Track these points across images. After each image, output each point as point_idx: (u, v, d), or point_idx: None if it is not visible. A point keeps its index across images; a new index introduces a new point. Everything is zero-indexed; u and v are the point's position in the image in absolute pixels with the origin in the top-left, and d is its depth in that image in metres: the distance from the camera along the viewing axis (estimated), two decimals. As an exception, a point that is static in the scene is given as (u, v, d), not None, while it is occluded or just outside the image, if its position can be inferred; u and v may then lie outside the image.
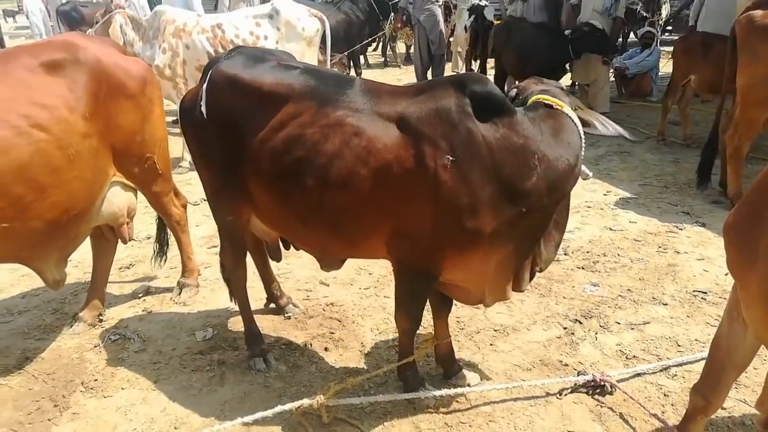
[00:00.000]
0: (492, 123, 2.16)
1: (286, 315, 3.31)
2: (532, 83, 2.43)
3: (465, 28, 9.73)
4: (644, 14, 9.95)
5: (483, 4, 9.55)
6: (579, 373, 2.73)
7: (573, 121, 2.25)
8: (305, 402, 2.44)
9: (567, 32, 7.09)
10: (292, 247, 2.87)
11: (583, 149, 2.27)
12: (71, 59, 2.70)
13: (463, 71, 9.73)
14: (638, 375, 2.75)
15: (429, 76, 9.10)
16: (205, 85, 2.50)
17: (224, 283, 3.21)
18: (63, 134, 2.56)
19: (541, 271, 2.53)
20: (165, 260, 3.72)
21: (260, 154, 2.36)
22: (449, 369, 2.73)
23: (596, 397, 2.60)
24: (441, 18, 9.00)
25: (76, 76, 2.68)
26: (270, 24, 5.98)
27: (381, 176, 2.17)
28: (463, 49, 10.07)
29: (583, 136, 2.26)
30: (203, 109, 2.49)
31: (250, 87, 2.41)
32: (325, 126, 2.25)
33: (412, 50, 14.06)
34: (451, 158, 2.10)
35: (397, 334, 3.08)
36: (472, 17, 9.56)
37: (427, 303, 2.59)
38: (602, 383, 2.62)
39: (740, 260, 1.66)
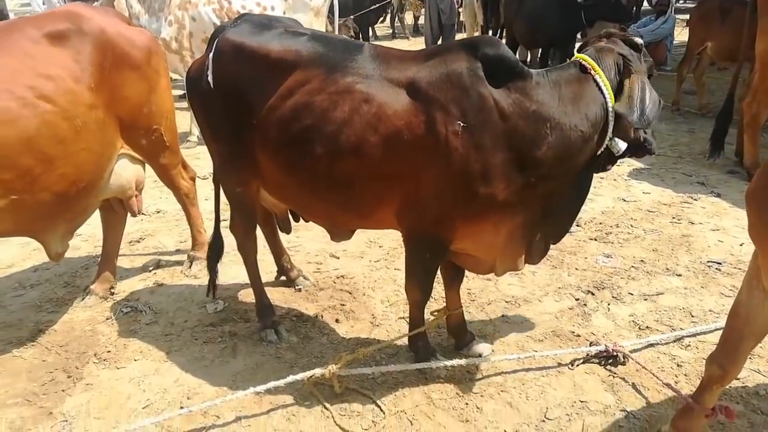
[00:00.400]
0: (504, 87, 2.12)
1: (296, 288, 3.31)
2: (599, 39, 2.32)
3: None
4: None
5: None
6: (591, 344, 2.71)
7: (601, 90, 2.16)
8: (317, 372, 2.45)
9: (580, 0, 6.90)
10: (301, 220, 2.86)
11: (610, 123, 2.16)
12: (75, 29, 2.65)
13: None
14: (651, 346, 2.73)
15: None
16: (211, 54, 2.46)
17: (234, 255, 3.19)
18: (69, 105, 2.53)
19: (554, 243, 2.49)
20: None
21: (268, 123, 2.33)
22: (461, 339, 2.72)
23: (609, 367, 2.58)
24: None
25: (81, 46, 2.64)
26: None
27: (391, 143, 2.14)
28: (474, 20, 9.90)
29: (610, 108, 2.15)
30: (210, 78, 2.45)
31: (257, 54, 2.36)
32: (334, 93, 2.21)
33: (420, 21, 13.88)
34: (462, 124, 2.07)
35: (407, 306, 3.09)
36: None
37: (439, 274, 2.57)
38: (614, 353, 2.60)
39: (762, 227, 1.61)
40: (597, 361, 2.63)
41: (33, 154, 2.44)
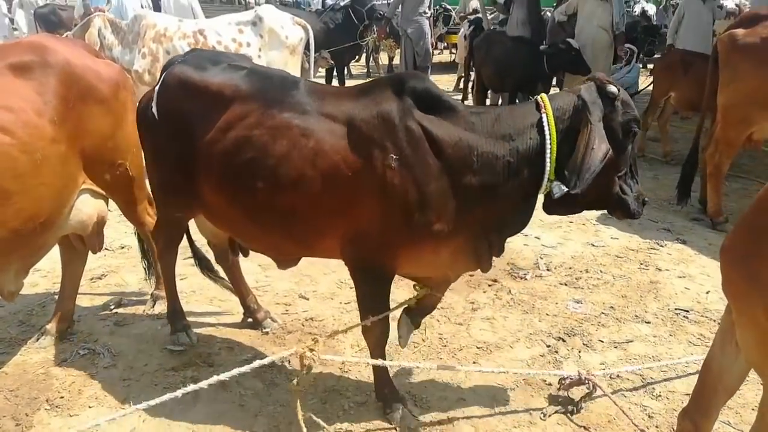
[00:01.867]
0: (433, 118, 2.20)
1: (263, 330, 3.22)
2: (585, 84, 2.26)
3: (464, 36, 9.80)
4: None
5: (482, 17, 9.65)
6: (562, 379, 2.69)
7: (543, 128, 2.16)
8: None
9: (542, 47, 7.07)
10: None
11: (547, 163, 2.15)
12: (39, 61, 2.58)
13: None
14: (619, 392, 2.72)
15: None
16: (158, 87, 2.54)
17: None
18: (29, 138, 2.43)
19: (497, 256, 2.46)
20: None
21: (210, 156, 2.38)
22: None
23: (581, 417, 2.55)
24: (428, 30, 9.00)
25: (45, 78, 2.56)
26: (253, 31, 5.89)
27: (329, 177, 2.21)
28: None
29: (547, 148, 2.15)
30: (154, 109, 2.53)
31: (199, 88, 2.44)
32: (272, 127, 2.27)
33: (395, 62, 14.11)
34: (395, 157, 2.14)
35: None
36: (472, 27, 9.65)
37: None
38: (585, 380, 2.59)
39: (736, 284, 1.62)
40: (564, 392, 2.63)
41: None
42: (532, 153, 2.19)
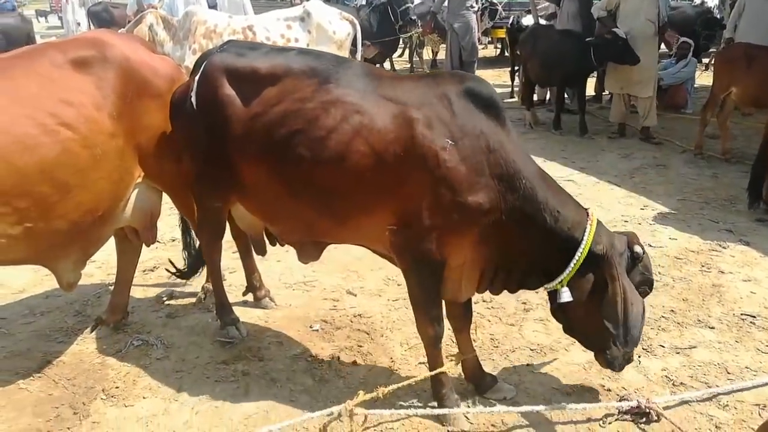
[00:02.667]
0: (493, 125, 2.26)
1: (262, 307, 3.37)
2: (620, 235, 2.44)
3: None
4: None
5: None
6: (622, 399, 2.58)
7: (583, 234, 2.29)
8: (334, 410, 2.34)
9: (589, 40, 6.86)
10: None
11: (570, 264, 2.30)
12: (99, 56, 2.62)
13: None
14: (686, 403, 2.59)
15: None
16: (197, 77, 2.59)
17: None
18: (90, 133, 2.48)
19: (496, 292, 2.53)
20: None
21: (253, 130, 2.42)
22: (482, 384, 2.64)
23: (641, 425, 2.44)
24: (475, 25, 8.87)
25: (104, 73, 2.60)
26: (301, 27, 5.91)
27: (380, 154, 2.23)
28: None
29: (577, 254, 2.29)
30: (193, 99, 2.58)
31: (244, 72, 2.49)
32: (326, 102, 2.30)
33: (439, 57, 13.99)
34: (450, 142, 2.19)
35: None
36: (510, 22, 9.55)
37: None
38: (647, 410, 2.46)
39: None
40: (629, 417, 2.49)
41: (51, 182, 2.37)
42: (560, 240, 2.30)
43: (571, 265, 2.29)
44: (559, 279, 2.31)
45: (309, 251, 2.71)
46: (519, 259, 2.35)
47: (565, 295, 2.30)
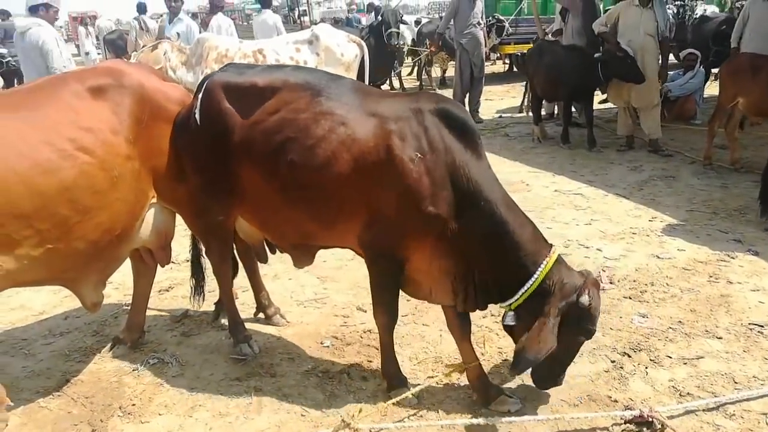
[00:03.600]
0: (461, 148, 2.44)
1: (273, 324, 3.46)
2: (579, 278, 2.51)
3: None
4: None
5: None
6: (626, 408, 2.60)
7: (537, 266, 2.43)
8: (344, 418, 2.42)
9: (597, 55, 6.91)
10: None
11: (521, 291, 2.45)
12: (116, 84, 2.75)
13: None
14: (691, 413, 2.60)
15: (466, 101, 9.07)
16: (200, 95, 2.78)
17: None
18: (107, 156, 2.60)
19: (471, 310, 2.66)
20: (203, 297, 3.57)
21: (250, 138, 2.63)
22: (485, 395, 2.69)
23: (648, 436, 2.46)
24: (483, 40, 8.98)
25: (120, 99, 2.73)
26: (309, 49, 6.05)
27: (360, 162, 2.46)
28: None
29: (529, 282, 2.44)
30: (197, 116, 2.76)
31: (243, 87, 2.71)
32: (317, 113, 2.54)
33: (448, 74, 14.11)
34: (418, 155, 2.40)
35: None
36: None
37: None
38: (650, 419, 2.49)
39: None
40: (633, 427, 2.51)
41: (70, 204, 2.49)
42: (514, 267, 2.45)
43: (520, 293, 2.45)
44: (508, 303, 2.49)
45: (302, 256, 2.93)
46: (476, 276, 2.51)
47: (509, 319, 2.49)
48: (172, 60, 6.11)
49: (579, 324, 2.44)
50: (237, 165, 2.69)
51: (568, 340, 2.46)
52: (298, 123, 2.54)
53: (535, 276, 2.42)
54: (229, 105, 2.69)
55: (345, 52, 6.14)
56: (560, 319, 2.39)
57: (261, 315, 3.52)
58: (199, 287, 3.55)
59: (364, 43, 6.40)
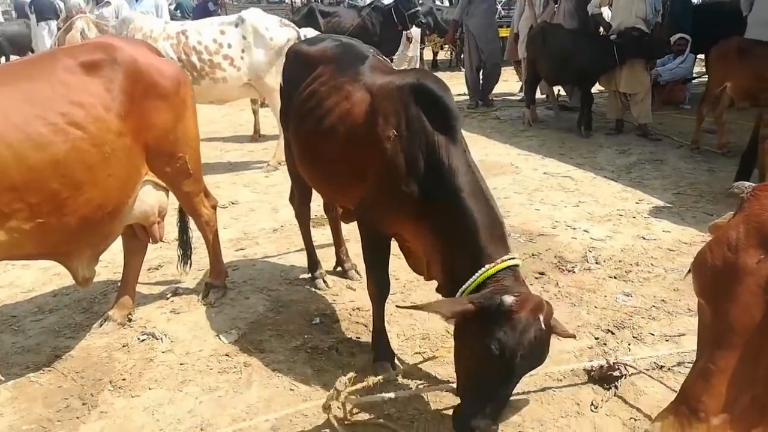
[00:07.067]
0: (433, 120, 2.42)
1: (348, 278, 3.75)
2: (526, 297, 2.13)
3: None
4: None
5: None
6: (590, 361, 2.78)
7: (475, 270, 2.22)
8: (331, 391, 2.40)
9: (613, 37, 6.85)
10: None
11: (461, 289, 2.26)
12: (109, 59, 2.74)
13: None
14: (660, 367, 2.77)
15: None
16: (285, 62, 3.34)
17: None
18: (99, 132, 2.59)
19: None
20: (190, 265, 3.69)
21: (296, 102, 2.98)
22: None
23: (632, 410, 2.52)
24: (493, 21, 8.84)
25: (113, 75, 2.72)
26: (235, 32, 5.84)
27: (351, 136, 2.60)
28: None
29: (467, 284, 2.23)
30: (281, 78, 3.36)
31: (303, 56, 3.12)
32: (332, 86, 2.77)
33: (439, 57, 14.08)
34: (395, 132, 2.44)
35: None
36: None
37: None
38: (616, 367, 2.65)
39: None
40: (598, 378, 2.68)
41: (61, 178, 2.49)
42: (465, 260, 2.28)
43: (458, 293, 2.25)
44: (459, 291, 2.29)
45: (345, 213, 3.20)
46: (437, 262, 2.41)
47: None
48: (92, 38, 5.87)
49: (498, 337, 2.00)
50: (291, 124, 3.08)
51: (479, 355, 2.08)
52: (318, 94, 2.80)
53: (470, 281, 2.21)
54: (296, 70, 3.11)
55: (275, 36, 5.88)
56: (477, 324, 2.08)
57: (339, 268, 3.82)
58: (186, 256, 3.65)
59: (298, 30, 6.18)
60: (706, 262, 1.25)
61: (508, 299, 2.04)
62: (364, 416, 2.50)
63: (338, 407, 2.45)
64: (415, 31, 9.75)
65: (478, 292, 2.18)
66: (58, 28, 6.58)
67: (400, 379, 2.73)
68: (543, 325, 2.05)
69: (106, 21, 6.37)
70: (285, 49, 6.08)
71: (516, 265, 2.27)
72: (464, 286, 2.24)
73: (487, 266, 2.21)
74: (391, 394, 2.50)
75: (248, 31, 5.86)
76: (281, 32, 5.99)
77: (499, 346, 2.00)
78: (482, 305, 2.07)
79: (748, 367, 1.13)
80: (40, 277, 3.87)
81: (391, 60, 10.64)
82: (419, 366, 2.83)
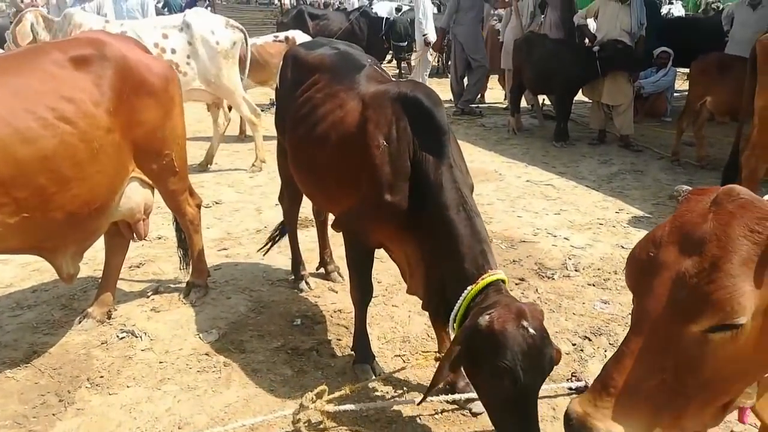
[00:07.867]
0: (422, 132, 2.41)
1: (331, 280, 3.76)
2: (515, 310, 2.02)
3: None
4: None
5: None
6: (571, 378, 2.80)
7: (465, 286, 2.18)
8: (304, 400, 2.38)
9: (596, 49, 6.90)
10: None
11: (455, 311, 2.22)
12: (98, 55, 2.73)
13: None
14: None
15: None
16: (281, 64, 3.28)
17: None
18: (87, 128, 2.58)
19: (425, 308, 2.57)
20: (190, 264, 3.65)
21: (291, 109, 2.96)
22: (456, 383, 2.69)
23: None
24: (479, 29, 8.83)
25: (103, 71, 2.71)
26: (179, 36, 5.63)
27: (342, 144, 2.59)
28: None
29: (459, 303, 2.19)
30: (277, 80, 3.29)
31: (302, 62, 3.07)
32: (327, 94, 2.76)
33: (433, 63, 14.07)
34: (384, 143, 2.44)
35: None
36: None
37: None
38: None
39: None
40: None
41: (49, 173, 2.48)
42: (453, 281, 2.25)
43: (450, 317, 2.24)
44: (450, 323, 2.27)
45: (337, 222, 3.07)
46: (419, 275, 2.43)
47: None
48: (40, 34, 5.62)
49: (491, 361, 1.92)
50: (286, 129, 3.04)
51: (488, 387, 2.01)
52: (312, 101, 2.79)
53: (458, 304, 2.18)
54: (292, 75, 3.09)
55: (221, 40, 5.72)
56: (470, 357, 2.01)
57: (321, 270, 3.82)
58: (187, 256, 3.62)
59: (245, 31, 6.08)
60: (634, 256, 1.35)
61: (482, 321, 1.95)
62: (341, 419, 2.50)
63: (304, 424, 2.42)
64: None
65: (466, 315, 2.13)
66: (10, 22, 6.47)
67: (377, 386, 2.74)
68: (532, 330, 1.93)
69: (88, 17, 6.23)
70: (232, 52, 5.96)
71: (500, 280, 2.21)
72: (452, 314, 2.21)
73: (469, 288, 2.17)
74: (369, 405, 2.54)
75: (193, 35, 5.62)
76: (226, 35, 5.78)
77: (497, 371, 1.90)
78: (465, 340, 2.00)
79: (657, 354, 1.22)
80: (19, 273, 3.83)
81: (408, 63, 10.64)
82: (396, 374, 2.85)
